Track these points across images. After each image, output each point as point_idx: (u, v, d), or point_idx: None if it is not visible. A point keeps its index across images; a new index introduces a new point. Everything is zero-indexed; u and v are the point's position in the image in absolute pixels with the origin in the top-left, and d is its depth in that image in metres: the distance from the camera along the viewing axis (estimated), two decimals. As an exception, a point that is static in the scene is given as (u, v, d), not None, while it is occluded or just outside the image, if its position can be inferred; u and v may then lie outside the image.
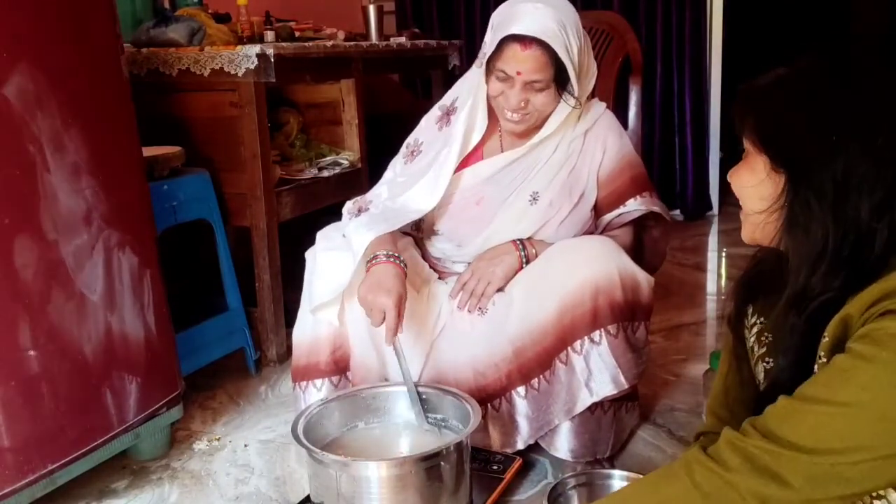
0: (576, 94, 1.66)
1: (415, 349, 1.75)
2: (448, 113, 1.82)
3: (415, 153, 1.86)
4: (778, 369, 1.04)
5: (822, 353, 0.95)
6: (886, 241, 0.94)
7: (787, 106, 1.00)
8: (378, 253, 1.64)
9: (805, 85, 1.00)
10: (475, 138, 1.76)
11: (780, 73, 1.03)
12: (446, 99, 1.86)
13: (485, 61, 1.67)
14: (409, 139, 1.90)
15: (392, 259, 1.64)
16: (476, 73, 1.74)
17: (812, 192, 0.96)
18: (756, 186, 1.04)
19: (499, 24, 1.65)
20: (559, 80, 1.63)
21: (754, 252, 1.17)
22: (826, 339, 0.95)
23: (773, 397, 1.00)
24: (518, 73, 1.62)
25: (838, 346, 0.93)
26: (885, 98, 0.96)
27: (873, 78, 0.98)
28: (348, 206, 1.87)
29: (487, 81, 1.69)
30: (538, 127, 1.73)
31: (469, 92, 1.76)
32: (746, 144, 1.06)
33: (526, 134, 1.74)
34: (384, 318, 1.57)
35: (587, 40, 1.71)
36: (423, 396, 1.65)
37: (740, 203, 1.09)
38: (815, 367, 0.96)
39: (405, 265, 1.66)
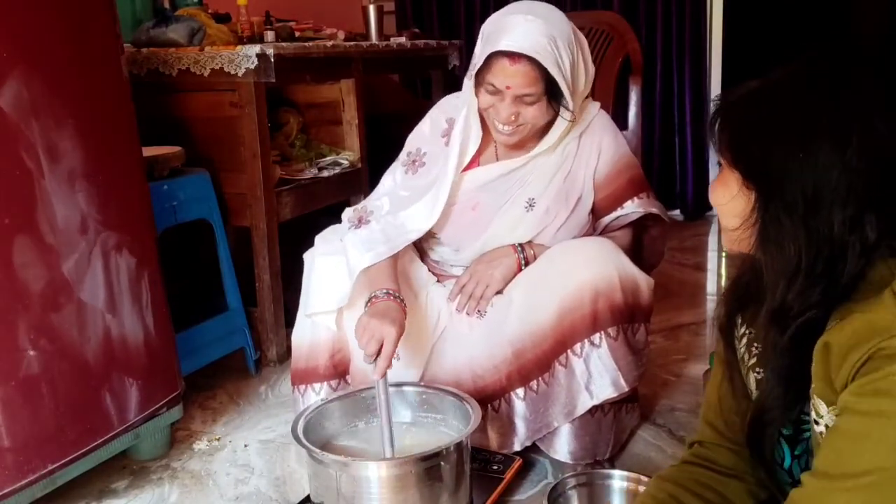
0: (570, 107, 1.64)
1: (415, 354, 1.75)
2: (451, 126, 1.80)
3: (417, 163, 1.83)
4: (768, 388, 1.02)
5: (813, 378, 0.93)
6: (860, 255, 0.92)
7: (754, 120, 0.99)
8: (377, 292, 1.63)
9: (772, 98, 0.98)
10: (471, 150, 1.75)
11: (751, 86, 1.01)
12: (451, 111, 1.83)
13: (474, 74, 1.65)
14: (411, 147, 1.86)
15: (394, 298, 1.62)
16: (468, 85, 1.72)
17: (782, 207, 0.94)
18: (729, 203, 1.01)
19: (488, 36, 1.62)
20: (551, 93, 1.61)
21: (741, 261, 1.15)
22: (813, 364, 0.92)
23: (762, 414, 0.99)
24: (507, 88, 1.59)
25: (825, 375, 0.91)
26: (853, 108, 0.93)
27: (841, 88, 0.95)
28: (348, 213, 1.85)
29: (477, 94, 1.67)
30: (535, 137, 1.72)
31: (463, 104, 1.75)
32: (722, 160, 1.04)
33: (521, 144, 1.73)
34: (379, 350, 1.54)
35: (582, 48, 1.67)
36: (424, 394, 1.64)
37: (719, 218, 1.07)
38: (811, 390, 0.93)
39: (405, 304, 1.64)
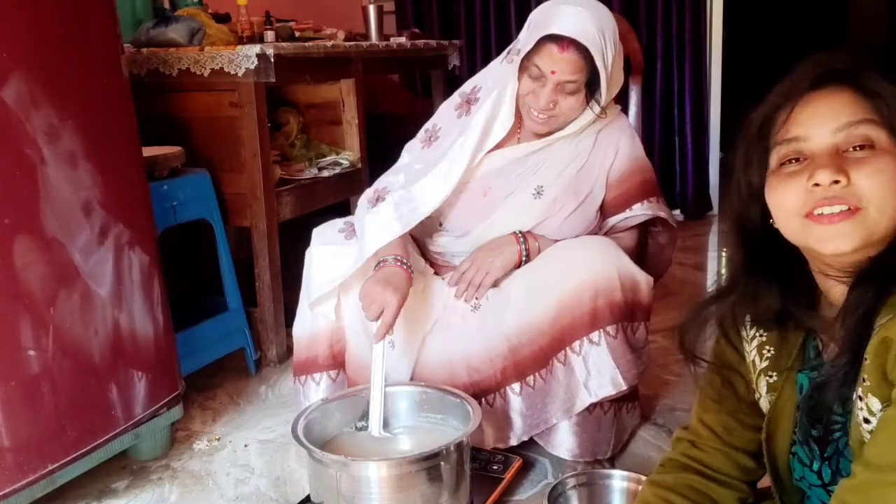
0: (603, 102, 1.67)
1: (407, 343, 1.76)
2: (469, 101, 1.81)
3: (432, 138, 1.85)
4: (829, 394, 0.96)
5: (866, 377, 0.88)
6: None
7: None
8: (387, 257, 1.66)
9: None
10: (498, 135, 1.75)
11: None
12: (467, 86, 1.85)
13: (520, 59, 1.67)
14: (428, 123, 1.89)
15: (401, 264, 1.65)
16: (505, 67, 1.74)
17: None
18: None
19: (537, 23, 1.66)
20: (591, 85, 1.64)
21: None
22: (868, 362, 0.88)
23: (816, 419, 0.97)
24: (552, 73, 1.63)
25: (881, 370, 0.87)
26: None
27: None
28: (367, 195, 1.84)
29: (520, 79, 1.69)
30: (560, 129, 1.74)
31: (495, 85, 1.75)
32: (873, 133, 0.91)
33: (547, 134, 1.75)
34: (380, 315, 1.58)
35: (620, 49, 1.71)
36: (424, 394, 1.65)
37: (877, 206, 0.91)
38: (858, 389, 0.90)
39: (412, 272, 1.67)
